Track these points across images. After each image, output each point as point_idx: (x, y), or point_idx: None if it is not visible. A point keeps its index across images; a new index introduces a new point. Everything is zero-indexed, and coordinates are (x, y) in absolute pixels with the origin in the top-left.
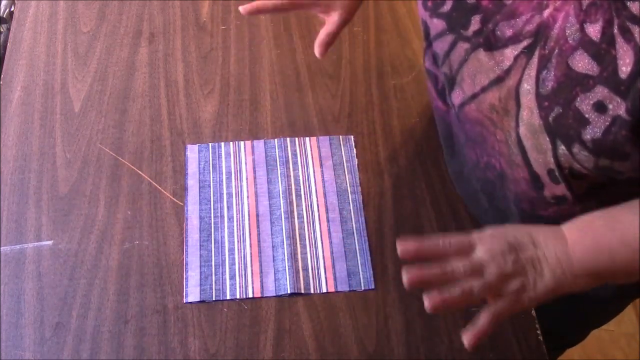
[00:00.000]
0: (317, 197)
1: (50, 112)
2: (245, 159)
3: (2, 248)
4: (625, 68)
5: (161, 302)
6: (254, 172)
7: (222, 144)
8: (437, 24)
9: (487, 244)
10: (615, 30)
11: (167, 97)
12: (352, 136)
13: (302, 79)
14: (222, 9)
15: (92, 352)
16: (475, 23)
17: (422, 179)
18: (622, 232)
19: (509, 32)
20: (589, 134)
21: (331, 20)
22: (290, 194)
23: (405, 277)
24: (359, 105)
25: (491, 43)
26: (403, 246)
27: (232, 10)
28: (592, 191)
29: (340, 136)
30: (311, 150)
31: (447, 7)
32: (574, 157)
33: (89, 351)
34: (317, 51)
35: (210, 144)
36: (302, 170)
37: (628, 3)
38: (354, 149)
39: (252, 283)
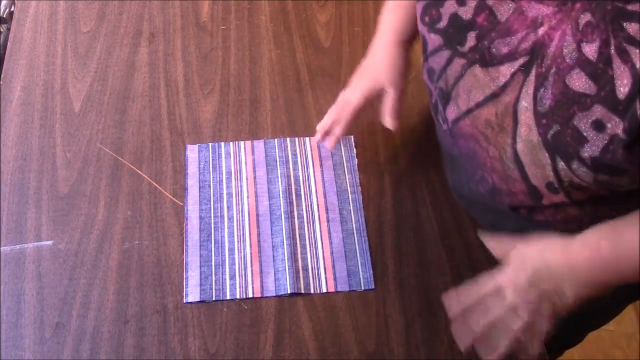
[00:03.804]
0: (317, 197)
1: (50, 112)
2: (245, 159)
3: (2, 248)
4: (623, 89)
5: (161, 302)
6: (254, 172)
7: (222, 143)
8: (434, 39)
9: (512, 285)
10: (612, 51)
11: (167, 97)
12: (352, 136)
13: (302, 79)
14: (222, 8)
15: (92, 352)
16: (471, 39)
17: (422, 179)
18: (626, 253)
19: (504, 50)
20: (587, 152)
21: (389, 95)
22: (290, 194)
23: (463, 347)
24: None
25: (487, 60)
26: (449, 308)
27: (232, 10)
28: (590, 198)
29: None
30: (311, 150)
31: (443, 23)
32: (573, 173)
33: (88, 351)
34: (390, 125)
35: (210, 144)
36: (302, 170)
37: (625, 24)
38: (354, 149)
39: (252, 283)
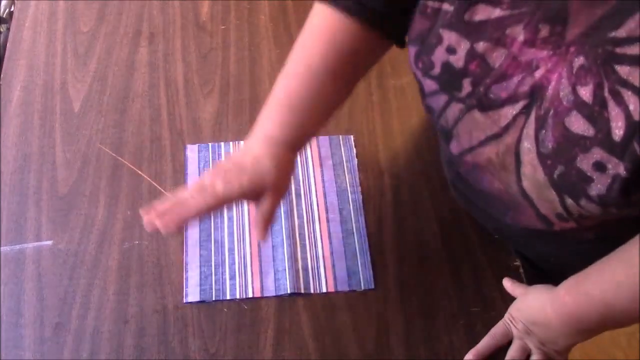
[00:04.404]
0: (317, 197)
1: (50, 112)
2: None
3: (2, 248)
4: (618, 131)
5: (161, 302)
6: None
7: (222, 143)
8: (429, 84)
9: (516, 332)
10: (606, 93)
11: (167, 97)
12: (352, 136)
13: None
14: (222, 8)
15: (92, 352)
16: (467, 86)
17: (422, 179)
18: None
19: (503, 94)
20: (594, 191)
21: (267, 201)
22: (290, 193)
23: None
24: (359, 105)
25: (485, 105)
26: None
27: (232, 10)
28: (601, 222)
29: (340, 136)
30: (311, 150)
31: (436, 70)
32: (582, 208)
33: (88, 351)
34: (259, 236)
35: (210, 144)
36: (302, 170)
37: (616, 67)
38: (354, 149)
39: (252, 283)
